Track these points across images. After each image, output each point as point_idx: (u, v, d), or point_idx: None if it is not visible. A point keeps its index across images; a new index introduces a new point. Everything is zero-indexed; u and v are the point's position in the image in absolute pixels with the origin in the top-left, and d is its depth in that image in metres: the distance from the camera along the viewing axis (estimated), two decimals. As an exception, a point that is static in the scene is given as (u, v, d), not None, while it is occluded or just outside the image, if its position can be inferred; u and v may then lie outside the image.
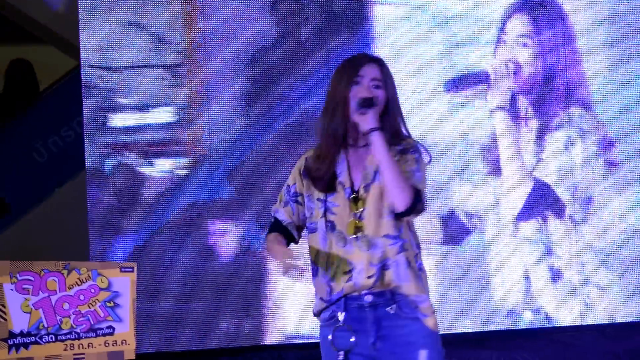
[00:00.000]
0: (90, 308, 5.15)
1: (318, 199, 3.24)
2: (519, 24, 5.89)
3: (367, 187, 3.20)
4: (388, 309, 3.17)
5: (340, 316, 3.17)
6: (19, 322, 4.75)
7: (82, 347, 5.15)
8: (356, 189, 3.22)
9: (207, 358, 5.53)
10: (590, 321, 5.82)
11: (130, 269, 5.22)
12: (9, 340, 4.68)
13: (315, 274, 3.26)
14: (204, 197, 5.69)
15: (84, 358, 5.15)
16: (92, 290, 5.14)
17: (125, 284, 5.24)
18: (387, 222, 3.19)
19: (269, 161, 5.70)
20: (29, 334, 4.77)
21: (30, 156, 6.66)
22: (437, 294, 5.56)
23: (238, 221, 5.69)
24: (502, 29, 5.86)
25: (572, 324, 5.78)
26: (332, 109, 3.23)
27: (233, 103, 5.74)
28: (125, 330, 5.19)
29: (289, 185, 3.31)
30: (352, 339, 3.16)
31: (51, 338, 4.90)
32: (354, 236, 3.19)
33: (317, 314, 3.28)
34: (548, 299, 5.79)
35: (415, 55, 5.76)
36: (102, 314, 5.19)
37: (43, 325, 4.88)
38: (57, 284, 5.06)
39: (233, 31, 5.73)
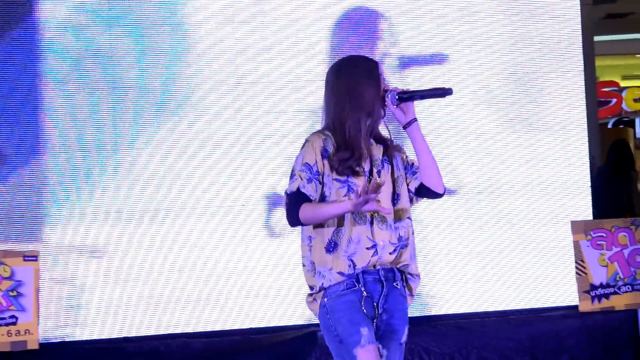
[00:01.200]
0: (-8, 297, 5.03)
1: (336, 180, 3.46)
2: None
3: (379, 173, 3.52)
4: (394, 283, 3.52)
5: (362, 287, 3.46)
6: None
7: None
8: (369, 172, 3.52)
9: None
10: (494, 308, 5.90)
11: (34, 258, 5.10)
12: None
13: (333, 250, 3.46)
14: None
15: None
16: (-5, 279, 5.03)
17: (28, 272, 5.12)
18: (406, 204, 3.57)
19: None
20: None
21: None
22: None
23: None
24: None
25: (476, 310, 5.85)
26: (368, 104, 3.48)
27: None
28: (29, 320, 5.07)
29: (308, 164, 3.47)
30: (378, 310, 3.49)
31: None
32: (372, 216, 3.47)
33: (323, 288, 3.51)
34: (452, 285, 5.85)
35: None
36: (4, 304, 5.06)
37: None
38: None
39: None
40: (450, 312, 5.84)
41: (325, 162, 3.46)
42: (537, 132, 6.01)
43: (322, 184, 3.46)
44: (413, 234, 3.61)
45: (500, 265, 5.94)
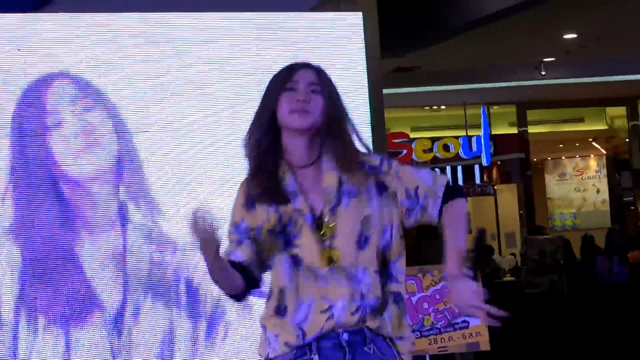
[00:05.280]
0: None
1: (270, 231, 2.75)
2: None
3: (333, 210, 2.75)
4: (366, 348, 2.75)
5: (315, 358, 2.71)
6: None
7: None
8: (318, 213, 2.76)
9: None
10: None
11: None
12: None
13: (282, 314, 2.76)
14: None
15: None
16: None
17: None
18: (370, 254, 2.76)
19: None
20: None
21: None
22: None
23: None
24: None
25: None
26: (259, 123, 2.82)
27: None
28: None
29: (235, 223, 2.79)
30: None
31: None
32: (327, 268, 2.74)
33: (270, 359, 2.79)
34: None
35: None
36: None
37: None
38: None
39: None
40: None
41: (252, 213, 2.80)
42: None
43: (257, 240, 2.78)
44: (393, 291, 2.81)
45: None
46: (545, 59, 14.49)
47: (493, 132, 16.94)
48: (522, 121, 17.84)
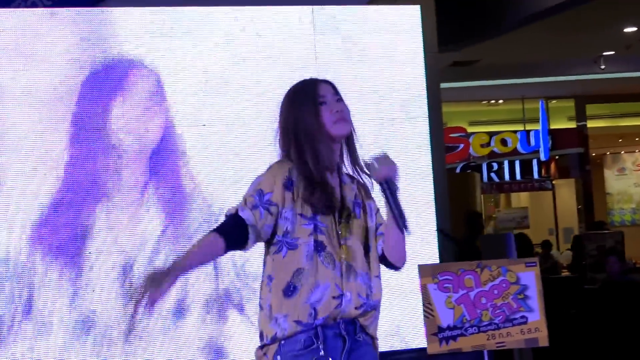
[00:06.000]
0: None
1: (302, 215, 2.99)
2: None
3: (349, 215, 3.09)
4: (356, 337, 3.04)
5: (321, 345, 2.94)
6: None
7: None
8: (341, 215, 3.08)
9: None
10: None
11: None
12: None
13: (290, 294, 2.96)
14: None
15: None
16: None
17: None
18: (372, 261, 3.11)
19: None
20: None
21: None
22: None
23: None
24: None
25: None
26: (310, 135, 3.04)
27: None
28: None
29: (261, 191, 2.97)
30: None
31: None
32: (341, 262, 3.02)
33: (276, 340, 2.99)
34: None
35: None
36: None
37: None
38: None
39: None
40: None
41: (288, 193, 2.98)
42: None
43: (277, 215, 2.97)
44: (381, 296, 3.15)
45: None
46: (604, 53, 14.32)
47: (551, 127, 16.78)
48: (580, 115, 17.64)
